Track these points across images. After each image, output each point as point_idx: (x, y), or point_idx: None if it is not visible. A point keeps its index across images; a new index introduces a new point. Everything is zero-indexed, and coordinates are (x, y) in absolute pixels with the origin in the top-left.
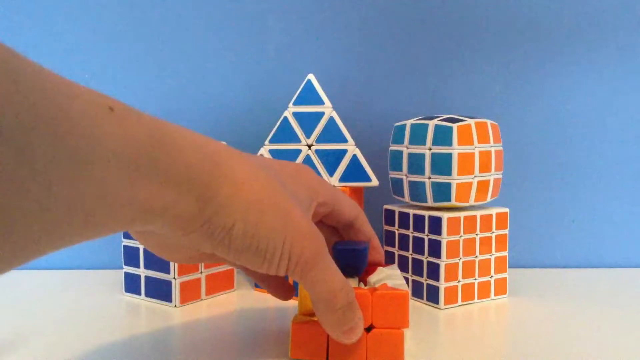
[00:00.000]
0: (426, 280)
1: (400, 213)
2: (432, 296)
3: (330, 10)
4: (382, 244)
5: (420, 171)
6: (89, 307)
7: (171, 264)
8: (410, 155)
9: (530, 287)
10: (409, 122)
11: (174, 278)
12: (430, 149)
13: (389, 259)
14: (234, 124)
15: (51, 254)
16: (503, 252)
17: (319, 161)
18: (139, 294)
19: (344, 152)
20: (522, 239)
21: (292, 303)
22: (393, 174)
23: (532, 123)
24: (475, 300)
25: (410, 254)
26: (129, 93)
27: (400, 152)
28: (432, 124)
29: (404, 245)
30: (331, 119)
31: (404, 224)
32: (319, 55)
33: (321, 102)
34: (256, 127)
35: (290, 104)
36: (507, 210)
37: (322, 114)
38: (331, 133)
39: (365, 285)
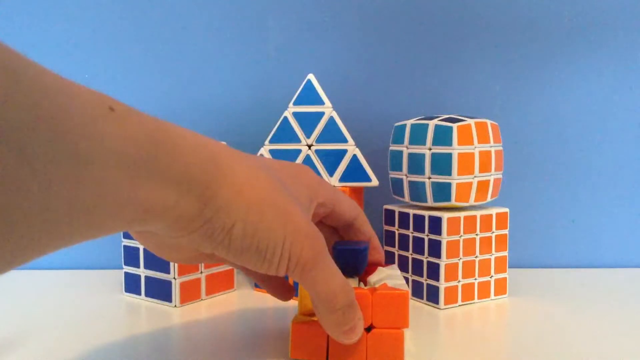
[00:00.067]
0: (426, 280)
1: (400, 213)
2: (432, 296)
3: (330, 10)
4: (382, 244)
5: (420, 171)
6: (89, 307)
7: (171, 264)
8: (410, 155)
9: (530, 287)
10: (409, 122)
11: (174, 278)
12: (430, 149)
13: (389, 259)
14: (234, 124)
15: (51, 254)
16: (503, 252)
17: (319, 161)
18: (139, 294)
19: (344, 152)
20: (522, 239)
21: (292, 303)
22: (393, 174)
23: (532, 123)
24: (475, 300)
25: (410, 254)
26: (129, 93)
27: (400, 152)
28: (432, 124)
29: (404, 245)
30: (331, 119)
31: (404, 224)
32: (319, 55)
33: (321, 102)
34: (256, 127)
35: (290, 104)
36: (507, 210)
37: (322, 114)
38: (331, 133)
39: (365, 285)
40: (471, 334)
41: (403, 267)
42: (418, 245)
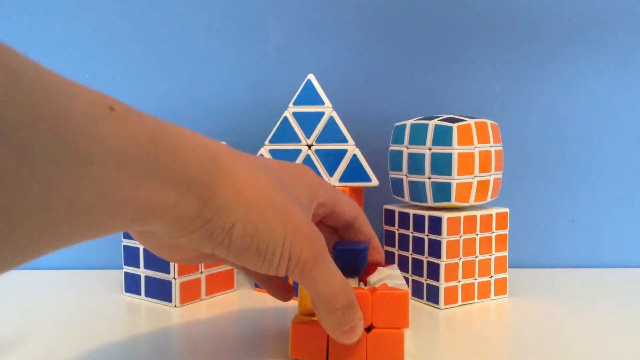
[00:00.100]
0: (426, 280)
1: (400, 213)
2: (432, 296)
3: (330, 10)
4: (382, 244)
5: (420, 171)
6: (89, 307)
7: (171, 264)
8: (410, 155)
9: (530, 287)
10: (409, 122)
11: (174, 278)
12: (430, 149)
13: (389, 259)
14: (234, 124)
15: (51, 254)
16: (503, 252)
17: (319, 161)
18: (139, 294)
19: (344, 152)
20: (522, 239)
21: (292, 303)
22: (393, 174)
23: (532, 123)
24: (475, 300)
25: (410, 254)
26: (129, 93)
27: (400, 152)
28: (432, 124)
29: (404, 245)
30: (331, 119)
31: (404, 224)
32: (319, 55)
33: (321, 102)
34: (256, 127)
35: (290, 104)
36: (507, 210)
37: (322, 114)
38: (331, 133)
39: (365, 285)
40: (471, 334)
41: (403, 267)
42: (418, 245)
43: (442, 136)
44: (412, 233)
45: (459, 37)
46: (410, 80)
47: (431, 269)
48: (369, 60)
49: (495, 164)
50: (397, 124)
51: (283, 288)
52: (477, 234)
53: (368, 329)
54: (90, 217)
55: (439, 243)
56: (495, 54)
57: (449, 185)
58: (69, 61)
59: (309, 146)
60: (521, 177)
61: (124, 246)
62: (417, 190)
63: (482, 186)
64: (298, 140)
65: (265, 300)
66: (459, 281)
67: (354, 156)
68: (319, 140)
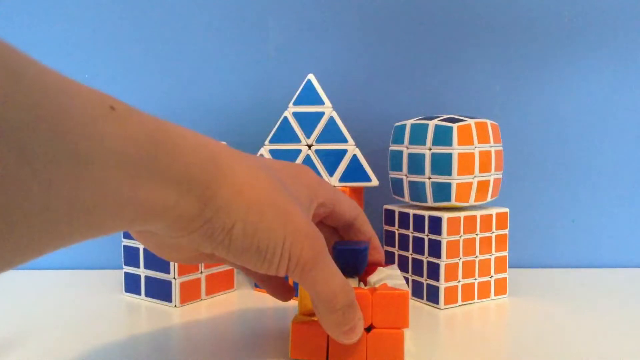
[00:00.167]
0: (426, 280)
1: (400, 213)
2: (432, 296)
3: (330, 10)
4: (382, 244)
5: (420, 171)
6: (89, 307)
7: (171, 264)
8: (410, 155)
9: (530, 287)
10: (409, 122)
11: (174, 278)
12: (430, 149)
13: (389, 259)
14: (234, 124)
15: (51, 254)
16: (503, 252)
17: (319, 161)
18: (139, 294)
19: (344, 152)
20: (522, 239)
21: (292, 303)
22: (393, 174)
23: (532, 123)
24: (475, 300)
25: (410, 254)
26: (129, 93)
27: (400, 152)
28: (432, 124)
29: (404, 245)
30: (331, 119)
31: (404, 224)
32: (319, 55)
33: (321, 102)
34: (256, 127)
35: (290, 104)
36: (507, 210)
37: (322, 114)
38: (331, 133)
39: (365, 285)
40: (471, 334)
41: (403, 267)
42: (418, 245)
43: (442, 136)
44: (412, 233)
45: (459, 37)
46: (410, 80)
47: (431, 269)
48: (369, 60)
49: (496, 164)
50: (397, 124)
51: (283, 288)
52: (477, 234)
53: (368, 329)
54: (90, 217)
55: (439, 243)
56: (495, 54)
57: (449, 185)
58: (69, 61)
59: (309, 146)
60: (521, 177)
61: (124, 246)
62: (417, 190)
63: (482, 186)
64: (298, 140)
65: (265, 300)
66: (459, 281)
67: (354, 156)
68: (319, 140)
